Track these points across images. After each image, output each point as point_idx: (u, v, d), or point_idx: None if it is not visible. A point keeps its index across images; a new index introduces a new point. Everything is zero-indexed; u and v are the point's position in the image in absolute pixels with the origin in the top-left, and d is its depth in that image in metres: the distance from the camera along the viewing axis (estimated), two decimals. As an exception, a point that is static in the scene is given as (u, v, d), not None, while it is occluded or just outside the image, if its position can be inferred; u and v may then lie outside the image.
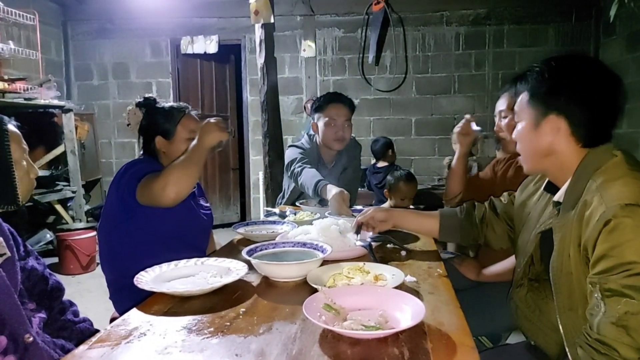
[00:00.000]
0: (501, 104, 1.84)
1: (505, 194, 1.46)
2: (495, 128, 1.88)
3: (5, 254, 1.13)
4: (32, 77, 4.28)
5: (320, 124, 2.37)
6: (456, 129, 1.92)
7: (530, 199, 1.29)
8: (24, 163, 1.21)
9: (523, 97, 1.11)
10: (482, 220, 1.44)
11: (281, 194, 2.66)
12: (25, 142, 1.23)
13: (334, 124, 2.32)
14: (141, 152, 1.75)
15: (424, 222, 1.52)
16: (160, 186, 1.42)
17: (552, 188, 1.16)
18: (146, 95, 1.75)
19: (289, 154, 2.43)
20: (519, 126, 1.13)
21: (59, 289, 1.35)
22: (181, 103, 1.77)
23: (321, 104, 2.38)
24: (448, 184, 2.02)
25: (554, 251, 1.07)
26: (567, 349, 1.05)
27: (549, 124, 1.05)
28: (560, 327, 1.07)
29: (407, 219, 1.54)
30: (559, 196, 1.10)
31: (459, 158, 1.95)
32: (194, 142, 1.53)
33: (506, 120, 1.80)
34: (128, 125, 1.74)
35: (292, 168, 2.29)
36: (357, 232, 1.52)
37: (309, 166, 2.24)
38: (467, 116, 1.92)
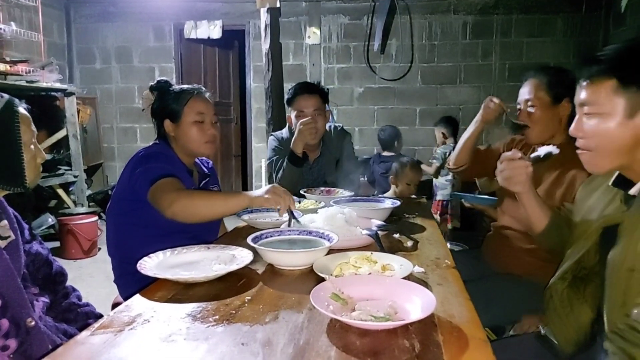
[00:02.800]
0: (527, 92, 1.72)
1: None
2: (520, 117, 1.76)
3: (9, 236, 1.12)
4: (34, 60, 4.25)
5: (292, 117, 2.29)
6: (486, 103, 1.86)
7: (593, 192, 1.21)
8: (32, 147, 1.18)
9: (607, 86, 0.97)
10: None
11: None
12: (34, 126, 1.20)
13: (304, 116, 2.21)
14: (156, 137, 1.72)
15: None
16: (167, 202, 1.38)
17: (622, 183, 1.06)
18: (160, 78, 1.71)
19: (269, 143, 2.43)
20: (599, 120, 1.00)
21: (62, 274, 1.35)
22: (195, 85, 1.71)
23: (290, 97, 2.29)
24: (456, 153, 1.99)
25: (616, 245, 1.00)
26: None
27: None
28: (605, 323, 1.01)
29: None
30: (635, 190, 1.02)
31: (473, 132, 1.91)
32: (245, 193, 1.45)
33: (532, 110, 1.69)
34: (143, 110, 1.71)
35: (270, 160, 2.34)
36: None
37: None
38: (496, 100, 1.84)
